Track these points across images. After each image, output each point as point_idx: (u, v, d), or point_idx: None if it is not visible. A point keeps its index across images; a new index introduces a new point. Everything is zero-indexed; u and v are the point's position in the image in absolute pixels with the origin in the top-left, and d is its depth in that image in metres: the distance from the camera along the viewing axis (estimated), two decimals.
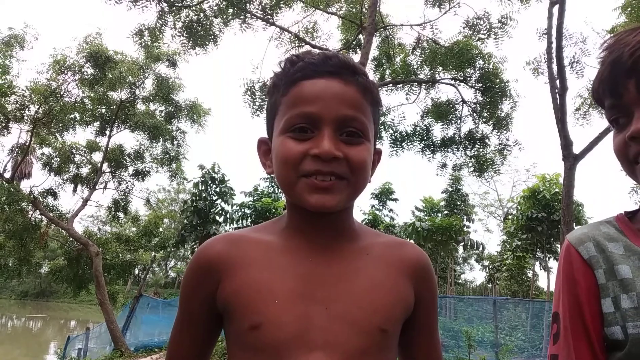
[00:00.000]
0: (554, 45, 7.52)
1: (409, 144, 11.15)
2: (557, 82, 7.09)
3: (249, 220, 20.12)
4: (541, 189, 17.31)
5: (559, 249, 21.44)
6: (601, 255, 0.89)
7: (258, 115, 9.92)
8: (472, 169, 11.56)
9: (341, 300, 0.85)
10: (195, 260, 0.93)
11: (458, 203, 27.37)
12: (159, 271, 50.37)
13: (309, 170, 0.85)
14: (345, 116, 0.86)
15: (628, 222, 0.93)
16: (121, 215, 16.76)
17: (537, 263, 26.87)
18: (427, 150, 10.98)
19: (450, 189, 27.30)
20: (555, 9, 7.52)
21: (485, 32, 9.66)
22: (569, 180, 6.94)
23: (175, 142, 17.86)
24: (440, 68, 10.51)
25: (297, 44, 10.44)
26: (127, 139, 47.17)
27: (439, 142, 11.08)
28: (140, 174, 16.83)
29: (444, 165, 11.58)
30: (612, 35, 0.93)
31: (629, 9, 9.97)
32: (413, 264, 0.96)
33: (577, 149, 7.62)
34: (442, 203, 29.31)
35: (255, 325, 0.82)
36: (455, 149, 11.23)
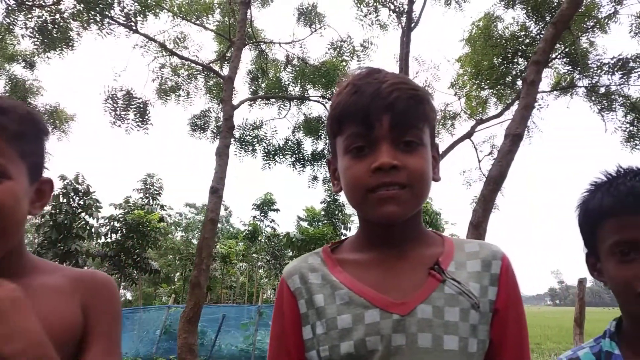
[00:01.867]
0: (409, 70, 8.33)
1: (281, 157, 11.42)
2: None
3: (118, 234, 18.81)
4: None
5: None
6: (304, 287, 0.95)
7: (119, 125, 9.46)
8: None
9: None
10: None
11: (336, 212, 28.41)
12: None
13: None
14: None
15: (329, 253, 1.01)
16: None
17: None
18: (298, 163, 11.36)
19: (329, 199, 28.27)
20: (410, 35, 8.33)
21: (348, 54, 10.33)
22: None
23: None
24: (309, 85, 10.98)
25: (164, 54, 10.17)
26: None
27: (309, 156, 11.53)
28: None
29: (314, 178, 12.06)
30: (357, 69, 0.99)
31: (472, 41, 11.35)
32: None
33: None
34: (323, 213, 30.29)
35: None
36: (325, 163, 11.77)
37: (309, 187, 12.00)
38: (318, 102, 11.02)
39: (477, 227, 6.45)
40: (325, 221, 27.67)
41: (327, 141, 12.00)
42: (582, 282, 8.01)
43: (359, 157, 0.91)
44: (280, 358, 0.96)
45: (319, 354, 0.89)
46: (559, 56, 9.09)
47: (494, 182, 6.48)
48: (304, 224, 30.42)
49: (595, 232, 1.02)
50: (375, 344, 0.87)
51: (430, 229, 1.08)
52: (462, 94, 11.01)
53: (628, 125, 8.70)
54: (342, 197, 31.47)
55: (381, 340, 0.87)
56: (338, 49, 10.34)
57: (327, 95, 10.95)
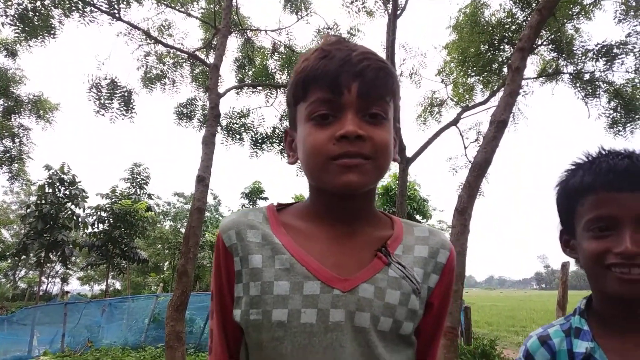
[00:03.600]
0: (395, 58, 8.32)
1: (268, 145, 11.38)
2: None
3: (105, 224, 18.68)
4: (393, 187, 18.96)
5: None
6: (240, 244, 0.92)
7: (103, 114, 9.34)
8: None
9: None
10: None
11: None
12: (5, 282, 44.22)
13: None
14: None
15: (275, 213, 0.98)
16: None
17: None
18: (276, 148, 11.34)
19: None
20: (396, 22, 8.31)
21: None
22: (403, 181, 7.69)
23: (17, 140, 15.95)
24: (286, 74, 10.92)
25: (148, 42, 10.03)
26: None
27: None
28: None
29: None
30: (328, 37, 0.96)
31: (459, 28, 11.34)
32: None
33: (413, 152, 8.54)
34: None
35: None
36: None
37: (297, 175, 11.98)
38: None
39: (462, 213, 6.50)
40: None
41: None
42: (565, 266, 8.16)
43: (322, 124, 0.88)
44: (219, 316, 0.95)
45: (248, 316, 0.87)
46: (544, 43, 9.13)
47: (479, 168, 6.52)
48: None
49: (573, 209, 1.03)
50: (311, 316, 0.85)
51: (381, 210, 1.06)
52: (449, 81, 11.04)
53: (611, 112, 8.81)
54: None
55: (317, 314, 0.85)
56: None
57: None
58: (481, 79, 10.15)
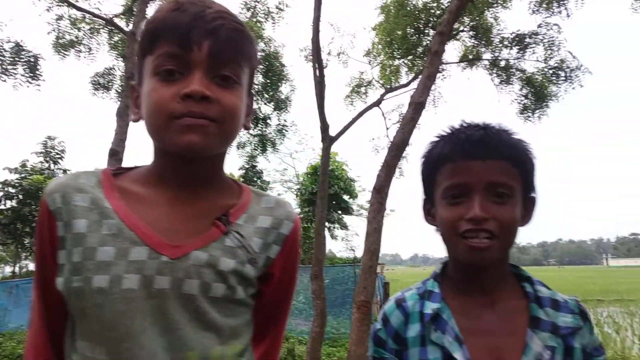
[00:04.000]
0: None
1: None
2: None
3: (14, 201, 17.32)
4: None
5: (335, 219, 23.99)
6: (65, 208, 0.87)
7: (4, 80, 8.52)
8: (256, 147, 12.04)
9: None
10: None
11: (255, 179, 28.26)
12: None
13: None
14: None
15: (110, 176, 0.94)
16: None
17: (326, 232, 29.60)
18: None
19: (247, 166, 27.98)
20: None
21: (263, 15, 10.02)
22: (325, 159, 7.72)
23: None
24: None
25: (60, 4, 9.22)
26: None
27: None
28: None
29: None
30: None
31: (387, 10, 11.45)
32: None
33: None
34: (242, 180, 29.97)
35: None
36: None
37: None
38: None
39: (380, 192, 6.65)
40: None
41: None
42: None
43: (167, 80, 0.84)
44: (39, 284, 0.91)
45: (70, 283, 0.83)
46: (465, 29, 9.46)
47: (397, 148, 6.67)
48: None
49: (433, 178, 1.06)
50: (133, 282, 0.82)
51: (241, 184, 1.04)
52: (377, 62, 11.17)
53: (523, 98, 9.34)
54: (262, 163, 31.27)
55: (141, 280, 0.82)
56: (252, 10, 9.99)
57: None
58: (406, 62, 10.36)
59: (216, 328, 0.86)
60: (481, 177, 0.97)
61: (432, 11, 9.76)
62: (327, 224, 26.44)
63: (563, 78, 8.50)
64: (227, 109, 0.85)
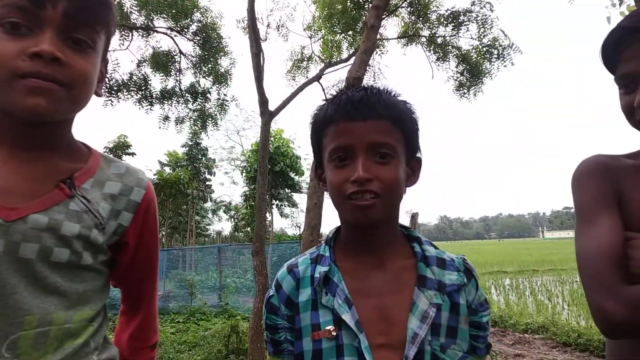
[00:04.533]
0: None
1: (125, 93, 10.46)
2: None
3: None
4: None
5: (284, 197, 24.01)
6: None
7: None
8: (195, 122, 11.69)
9: None
10: None
11: (199, 157, 27.62)
12: None
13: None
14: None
15: None
16: None
17: (274, 210, 29.58)
18: (145, 101, 10.52)
19: (190, 143, 27.28)
20: None
21: None
22: (264, 135, 7.61)
23: None
24: (157, 15, 10.04)
25: None
26: None
27: (158, 93, 10.74)
28: None
29: (166, 118, 11.35)
30: None
31: None
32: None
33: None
34: (185, 157, 29.16)
35: None
36: (177, 102, 11.09)
37: (160, 127, 11.29)
38: (166, 34, 10.18)
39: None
40: (187, 165, 26.74)
41: (178, 78, 11.32)
42: (414, 216, 8.86)
43: (13, 35, 0.78)
44: None
45: None
46: (403, 5, 9.50)
47: None
48: (167, 169, 29.13)
49: (320, 142, 1.06)
50: None
51: (84, 143, 1.00)
52: (318, 37, 11.05)
53: (459, 75, 9.57)
54: (205, 141, 30.56)
55: None
56: None
57: (176, 27, 10.16)
58: (346, 36, 10.31)
59: (59, 293, 0.84)
60: (363, 137, 0.97)
61: None
62: (275, 201, 26.44)
63: (496, 56, 8.75)
64: (78, 74, 0.83)
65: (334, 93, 1.12)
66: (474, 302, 1.02)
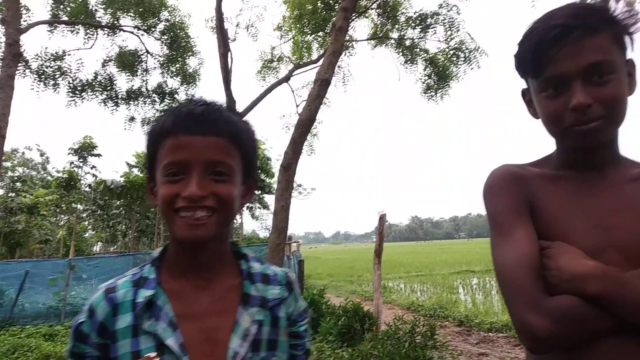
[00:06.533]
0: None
1: (90, 93, 10.18)
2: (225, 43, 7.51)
3: None
4: None
5: (255, 198, 23.80)
6: None
7: None
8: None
9: None
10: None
11: None
12: None
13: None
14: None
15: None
16: None
17: (245, 212, 29.31)
18: (110, 101, 10.26)
19: None
20: None
21: None
22: None
23: None
24: (123, 14, 9.81)
25: None
26: None
27: (124, 93, 10.49)
28: None
29: (132, 119, 11.10)
30: None
31: None
32: None
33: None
34: None
35: None
36: (143, 103, 10.86)
37: (125, 128, 11.03)
38: (132, 33, 9.95)
39: (287, 169, 6.62)
40: None
41: (144, 78, 11.09)
42: (382, 218, 8.90)
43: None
44: None
45: None
46: (373, 7, 9.56)
47: (303, 125, 6.66)
48: (136, 171, 28.49)
49: (155, 153, 0.99)
50: None
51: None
52: (288, 37, 11.01)
53: (427, 78, 9.69)
54: None
55: None
56: None
57: (143, 26, 9.95)
58: (317, 37, 10.31)
59: None
60: (200, 154, 0.94)
61: None
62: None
63: (462, 59, 8.90)
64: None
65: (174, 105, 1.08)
66: (293, 314, 1.06)
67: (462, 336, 8.57)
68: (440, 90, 9.54)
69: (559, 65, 0.97)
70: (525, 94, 1.13)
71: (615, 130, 1.02)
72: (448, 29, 8.65)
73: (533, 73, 1.04)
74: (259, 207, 28.47)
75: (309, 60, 10.69)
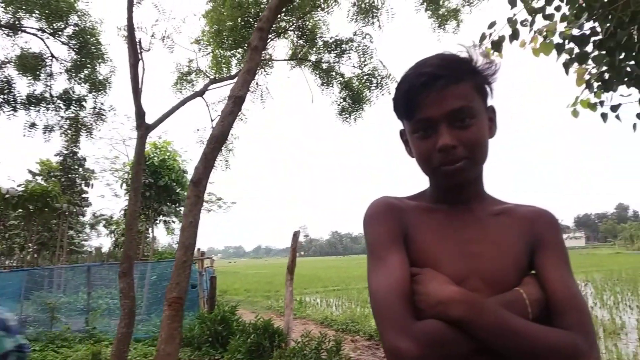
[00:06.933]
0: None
1: None
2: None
3: None
4: (151, 156, 18.00)
5: (172, 212, 22.96)
6: None
7: None
8: (66, 131, 10.78)
9: None
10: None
11: (75, 167, 25.38)
12: None
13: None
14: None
15: None
16: None
17: (160, 225, 28.08)
18: (7, 105, 9.48)
19: (66, 152, 25.00)
20: None
21: None
22: (140, 148, 7.26)
23: None
24: (25, 14, 9.17)
25: None
26: None
27: (24, 98, 9.76)
28: None
29: (32, 125, 10.32)
30: None
31: None
32: None
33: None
34: (60, 167, 26.64)
35: None
36: (46, 109, 10.16)
37: (25, 135, 10.24)
38: (36, 35, 9.32)
39: (197, 185, 6.47)
40: (61, 176, 24.39)
41: (48, 83, 10.39)
42: (295, 234, 9.01)
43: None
44: None
45: None
46: (292, 29, 9.76)
47: (216, 140, 6.57)
48: (39, 179, 26.39)
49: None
50: None
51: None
52: (207, 51, 10.89)
53: (342, 101, 10.03)
54: (86, 150, 28.19)
55: None
56: None
57: (48, 29, 9.37)
58: (235, 53, 10.31)
59: None
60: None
61: (262, 6, 9.84)
62: (161, 217, 25.14)
63: (375, 85, 9.34)
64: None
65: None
66: None
67: (372, 350, 8.83)
68: (354, 113, 9.91)
69: (427, 110, 1.07)
70: (402, 134, 1.23)
71: (478, 169, 1.15)
72: (362, 55, 9.06)
73: (406, 115, 1.14)
74: (174, 222, 27.44)
75: (227, 75, 10.64)
